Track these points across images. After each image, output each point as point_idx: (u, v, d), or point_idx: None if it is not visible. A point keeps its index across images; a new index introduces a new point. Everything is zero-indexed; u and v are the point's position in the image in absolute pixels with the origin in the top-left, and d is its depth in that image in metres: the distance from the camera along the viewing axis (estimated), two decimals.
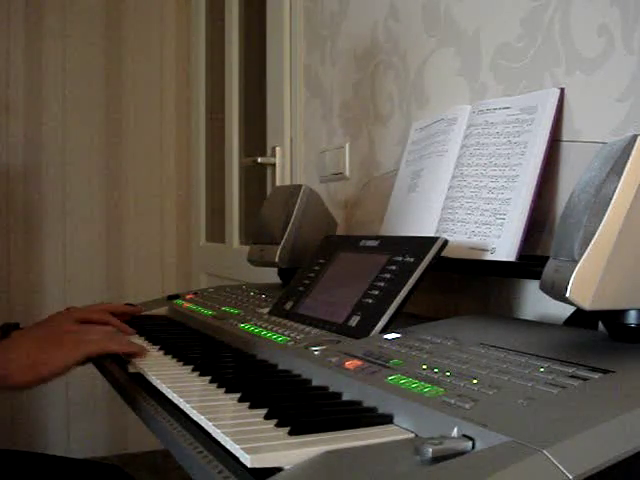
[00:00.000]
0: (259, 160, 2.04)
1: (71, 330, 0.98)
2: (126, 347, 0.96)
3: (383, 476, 0.48)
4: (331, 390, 0.72)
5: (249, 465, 0.53)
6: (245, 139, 2.44)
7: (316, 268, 1.08)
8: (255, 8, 2.28)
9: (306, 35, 1.89)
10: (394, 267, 0.90)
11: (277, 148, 2.00)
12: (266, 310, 1.12)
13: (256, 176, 2.26)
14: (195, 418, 0.67)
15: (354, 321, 0.88)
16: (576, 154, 0.95)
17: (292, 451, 0.54)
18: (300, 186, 1.39)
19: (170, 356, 0.97)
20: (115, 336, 0.99)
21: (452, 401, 0.57)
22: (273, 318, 1.05)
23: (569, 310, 0.81)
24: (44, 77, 2.66)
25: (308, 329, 0.93)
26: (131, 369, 0.94)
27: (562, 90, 0.98)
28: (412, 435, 0.58)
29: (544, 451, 0.45)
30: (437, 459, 0.48)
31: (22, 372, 0.85)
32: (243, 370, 0.85)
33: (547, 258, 0.70)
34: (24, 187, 2.64)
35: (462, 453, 0.50)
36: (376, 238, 1.01)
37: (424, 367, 0.67)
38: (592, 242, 0.62)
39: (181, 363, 0.92)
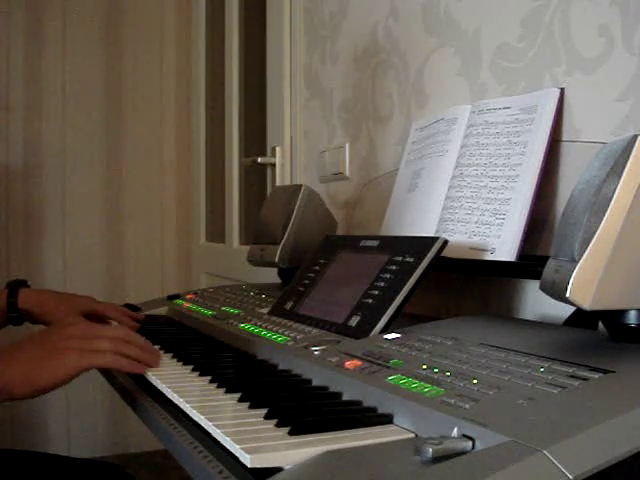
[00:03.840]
0: (259, 160, 2.04)
1: (76, 335, 0.85)
2: (137, 367, 0.86)
3: (383, 476, 0.48)
4: (331, 390, 0.72)
5: (249, 465, 0.53)
6: (245, 139, 2.44)
7: (316, 268, 1.08)
8: (255, 8, 2.28)
9: (306, 35, 1.89)
10: (394, 267, 0.90)
11: (277, 148, 2.00)
12: (266, 310, 1.12)
13: (256, 176, 2.26)
14: (195, 418, 0.67)
15: (354, 321, 0.88)
16: (576, 154, 0.95)
17: (292, 451, 0.54)
18: (300, 186, 1.39)
19: (170, 356, 0.97)
20: (128, 345, 0.87)
21: (452, 401, 0.57)
22: (273, 318, 1.05)
23: (569, 310, 0.81)
24: (44, 77, 2.66)
25: (308, 329, 0.93)
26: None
27: (562, 90, 0.98)
28: (412, 435, 0.58)
29: (544, 451, 0.45)
30: (437, 459, 0.48)
31: (21, 384, 0.80)
32: (243, 370, 0.85)
33: (547, 258, 0.70)
34: (24, 187, 2.64)
35: (462, 453, 0.50)
36: (376, 238, 1.01)
37: (424, 367, 0.67)
38: (592, 242, 0.62)
39: (181, 363, 0.92)
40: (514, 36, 1.09)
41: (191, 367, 0.88)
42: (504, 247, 0.96)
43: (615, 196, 0.61)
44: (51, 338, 0.85)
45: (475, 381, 0.60)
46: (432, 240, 0.89)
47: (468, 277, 1.15)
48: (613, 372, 0.58)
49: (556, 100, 0.97)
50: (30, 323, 1.22)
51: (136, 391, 0.88)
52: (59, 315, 1.14)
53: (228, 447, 0.57)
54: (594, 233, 0.62)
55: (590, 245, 0.62)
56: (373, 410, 0.64)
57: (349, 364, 0.73)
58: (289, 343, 0.89)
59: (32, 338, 0.87)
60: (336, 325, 0.91)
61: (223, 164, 2.51)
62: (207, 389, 0.78)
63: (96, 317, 1.20)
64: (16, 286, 1.18)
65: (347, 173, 1.65)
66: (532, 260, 0.93)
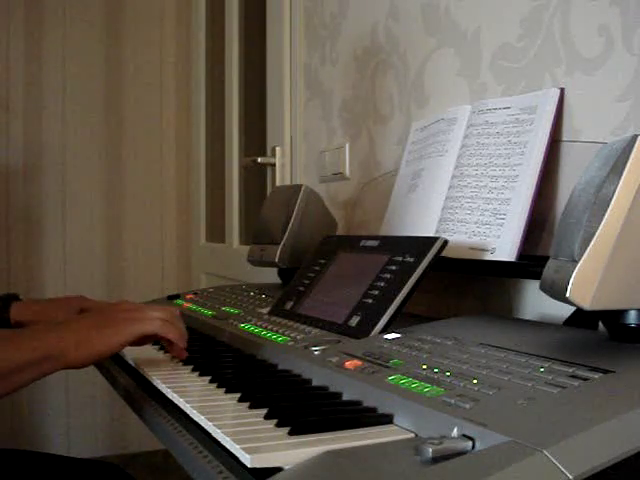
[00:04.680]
0: (259, 160, 2.04)
1: (128, 308, 0.90)
2: (182, 340, 0.90)
3: (383, 476, 0.48)
4: (331, 390, 0.72)
5: (249, 465, 0.53)
6: (245, 139, 2.44)
7: (316, 268, 1.08)
8: (255, 8, 2.28)
9: (306, 35, 1.89)
10: (394, 267, 0.90)
11: (277, 148, 2.00)
12: (266, 310, 1.12)
13: (256, 176, 2.26)
14: (195, 418, 0.67)
15: (354, 321, 0.88)
16: (576, 154, 0.95)
17: (292, 451, 0.54)
18: (300, 186, 1.39)
19: (170, 356, 0.97)
20: (176, 321, 0.91)
21: (452, 401, 0.57)
22: (273, 318, 1.05)
23: (569, 310, 0.81)
24: (44, 77, 2.66)
25: (308, 329, 0.93)
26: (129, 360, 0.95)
27: (562, 90, 0.98)
28: (412, 435, 0.58)
29: (544, 451, 0.45)
30: (437, 459, 0.48)
31: (76, 350, 0.81)
32: (243, 370, 0.85)
33: (547, 258, 0.70)
34: (24, 187, 2.64)
35: (462, 453, 0.50)
36: (376, 238, 1.01)
37: (424, 367, 0.68)
38: (592, 242, 0.62)
39: (181, 363, 0.92)
40: (514, 36, 1.09)
41: (191, 367, 0.88)
42: (504, 247, 0.96)
43: (615, 196, 0.61)
44: (104, 312, 0.89)
45: (475, 381, 0.60)
46: (432, 240, 0.89)
47: (468, 277, 1.15)
48: (613, 372, 0.58)
49: (556, 100, 0.97)
50: None
51: (136, 391, 0.88)
52: (55, 319, 1.14)
53: (228, 447, 0.57)
54: (594, 233, 0.62)
55: (590, 245, 0.62)
56: (373, 410, 0.64)
57: (349, 364, 0.73)
58: (289, 343, 0.89)
59: (84, 314, 0.93)
60: (336, 325, 0.91)
61: (223, 164, 2.51)
62: (207, 389, 0.78)
63: None
64: (8, 301, 1.17)
65: (347, 173, 1.65)
66: (532, 260, 0.93)
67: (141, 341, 0.89)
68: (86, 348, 0.82)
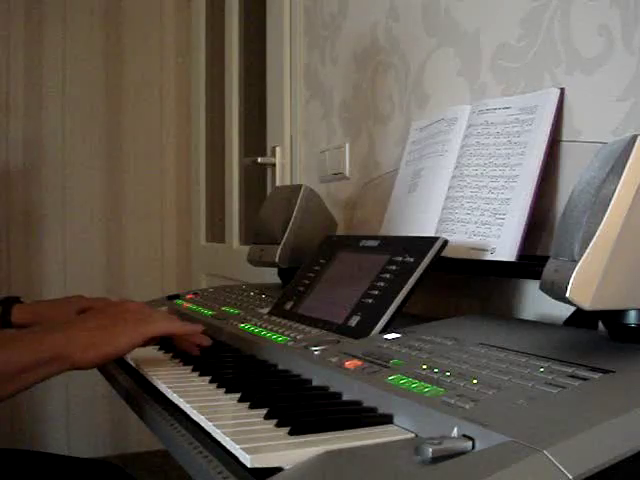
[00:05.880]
0: (259, 160, 2.04)
1: (132, 309, 0.90)
2: (188, 328, 0.94)
3: (383, 476, 0.48)
4: (331, 390, 0.72)
5: (249, 465, 0.53)
6: (245, 139, 2.44)
7: (316, 268, 1.08)
8: (255, 8, 2.28)
9: (306, 35, 1.89)
10: (394, 267, 0.90)
11: (277, 148, 2.00)
12: (266, 310, 1.12)
13: (256, 176, 2.26)
14: (195, 418, 0.67)
15: (354, 321, 0.88)
16: (576, 154, 0.95)
17: (292, 451, 0.54)
18: (300, 186, 1.39)
19: (170, 356, 0.97)
20: (177, 319, 0.95)
21: (452, 401, 0.57)
22: (273, 318, 1.05)
23: (569, 310, 0.81)
24: (44, 77, 2.66)
25: (308, 329, 0.93)
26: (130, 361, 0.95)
27: (562, 90, 0.98)
28: (412, 435, 0.58)
29: (544, 451, 0.45)
30: (437, 459, 0.48)
31: (83, 351, 0.80)
32: (243, 370, 0.85)
33: (547, 258, 0.70)
34: (24, 187, 2.64)
35: (462, 453, 0.50)
36: (376, 238, 1.01)
37: (424, 367, 0.68)
38: (592, 242, 0.62)
39: (181, 363, 0.92)
40: (514, 36, 1.09)
41: (191, 367, 0.88)
42: (504, 247, 0.96)
43: (615, 196, 0.61)
44: (109, 312, 0.88)
45: (475, 381, 0.60)
46: (432, 240, 0.89)
47: (468, 277, 1.15)
48: (613, 372, 0.58)
49: (556, 100, 0.97)
50: None
51: (136, 391, 0.88)
52: (56, 320, 1.15)
53: (228, 447, 0.57)
54: (594, 233, 0.62)
55: (590, 245, 0.62)
56: (373, 410, 0.64)
57: (349, 364, 0.73)
58: (289, 343, 0.89)
59: (89, 314, 0.91)
60: (336, 325, 0.91)
61: (223, 164, 2.51)
62: (207, 389, 0.78)
63: None
64: (9, 303, 1.17)
65: (347, 173, 1.65)
66: (532, 260, 0.93)
67: (147, 343, 0.89)
68: (94, 349, 0.81)
